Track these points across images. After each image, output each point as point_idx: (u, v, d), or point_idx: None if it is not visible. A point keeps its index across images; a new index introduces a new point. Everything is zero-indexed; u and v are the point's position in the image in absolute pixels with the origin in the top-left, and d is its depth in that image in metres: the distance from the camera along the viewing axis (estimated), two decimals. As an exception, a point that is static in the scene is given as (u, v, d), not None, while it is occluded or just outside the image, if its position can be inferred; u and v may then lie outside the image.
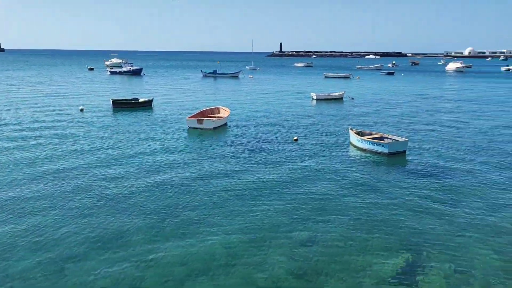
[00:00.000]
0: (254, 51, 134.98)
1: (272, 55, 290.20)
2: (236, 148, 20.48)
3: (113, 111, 32.50)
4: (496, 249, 10.33)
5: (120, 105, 34.07)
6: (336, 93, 42.47)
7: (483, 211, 12.71)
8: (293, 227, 11.51)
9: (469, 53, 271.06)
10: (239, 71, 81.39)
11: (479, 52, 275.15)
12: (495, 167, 17.43)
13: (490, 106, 37.30)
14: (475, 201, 13.54)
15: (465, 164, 17.74)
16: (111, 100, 34.54)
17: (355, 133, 21.19)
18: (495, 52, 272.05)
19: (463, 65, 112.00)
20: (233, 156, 18.94)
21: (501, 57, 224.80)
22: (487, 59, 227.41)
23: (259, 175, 16.06)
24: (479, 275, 9.14)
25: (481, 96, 45.98)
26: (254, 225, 11.60)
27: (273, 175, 16.08)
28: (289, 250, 10.20)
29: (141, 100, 35.31)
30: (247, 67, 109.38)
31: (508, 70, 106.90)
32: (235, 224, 11.65)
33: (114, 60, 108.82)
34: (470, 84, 63.73)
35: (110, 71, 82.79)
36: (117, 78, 71.33)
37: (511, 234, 11.12)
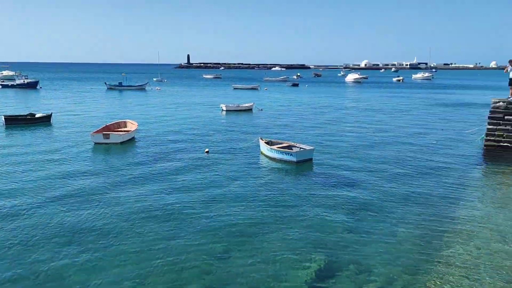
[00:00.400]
0: (160, 62, 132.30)
1: (180, 66, 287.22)
2: (146, 163, 19.80)
3: (5, 128, 29.67)
4: (396, 249, 11.11)
5: (14, 122, 31.18)
6: (245, 104, 43.19)
7: (383, 212, 13.62)
8: (204, 241, 11.33)
9: (365, 65, 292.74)
10: (146, 83, 79.19)
11: (374, 64, 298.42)
12: (393, 170, 18.85)
13: (385, 114, 40.50)
14: (377, 202, 14.48)
15: (366, 169, 18.95)
16: (2, 116, 31.49)
17: (265, 142, 21.65)
18: (387, 64, 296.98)
19: (360, 76, 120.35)
20: (143, 171, 18.26)
21: (393, 69, 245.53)
22: (380, 70, 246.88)
23: (170, 191, 15.64)
24: (382, 275, 9.74)
25: (377, 105, 49.76)
26: (165, 242, 11.23)
27: (185, 189, 15.76)
28: (202, 264, 10.02)
29: (38, 115, 32.66)
30: (154, 79, 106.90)
31: (399, 80, 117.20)
32: (145, 242, 11.17)
33: (6, 73, 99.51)
34: (368, 94, 68.80)
35: (1, 84, 75.72)
36: (10, 92, 65.53)
37: (408, 233, 12.05)
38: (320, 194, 15.28)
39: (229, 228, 12.16)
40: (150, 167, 18.97)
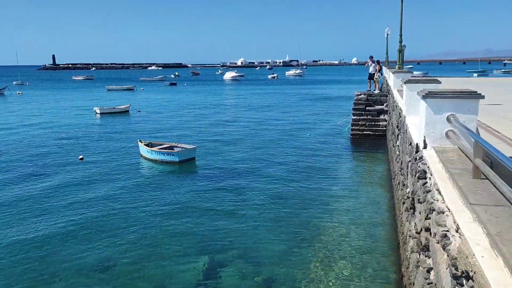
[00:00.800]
0: (19, 64, 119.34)
1: (44, 68, 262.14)
2: (10, 178, 17.69)
3: None
4: (279, 238, 11.57)
5: None
6: (121, 106, 41.22)
7: (267, 204, 14.09)
8: (84, 252, 10.51)
9: (242, 63, 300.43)
10: (4, 87, 70.67)
11: (250, 62, 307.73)
12: (272, 164, 19.62)
13: (262, 111, 42.01)
14: (259, 196, 14.92)
15: (246, 164, 19.44)
16: None
17: (144, 144, 20.89)
18: (262, 62, 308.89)
19: (237, 74, 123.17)
20: (5, 187, 16.27)
21: (268, 67, 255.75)
22: (256, 68, 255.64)
23: (39, 207, 14.19)
24: (268, 264, 10.06)
25: (255, 102, 51.39)
26: (38, 257, 10.14)
27: (58, 200, 14.43)
28: (83, 277, 9.26)
29: None
30: (14, 82, 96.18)
31: (274, 77, 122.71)
32: (14, 261, 9.96)
33: None
34: (245, 91, 70.70)
35: None
36: None
37: (288, 221, 12.63)
38: (204, 192, 15.23)
39: (110, 235, 11.44)
40: (14, 181, 17.00)
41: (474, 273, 3.14)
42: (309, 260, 10.07)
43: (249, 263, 9.98)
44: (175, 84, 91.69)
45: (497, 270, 2.94)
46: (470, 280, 3.24)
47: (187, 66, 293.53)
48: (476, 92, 6.76)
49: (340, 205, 13.84)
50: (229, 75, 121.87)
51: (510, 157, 4.19)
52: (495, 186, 4.13)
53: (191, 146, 20.57)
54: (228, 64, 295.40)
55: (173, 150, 20.15)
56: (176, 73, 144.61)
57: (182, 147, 20.56)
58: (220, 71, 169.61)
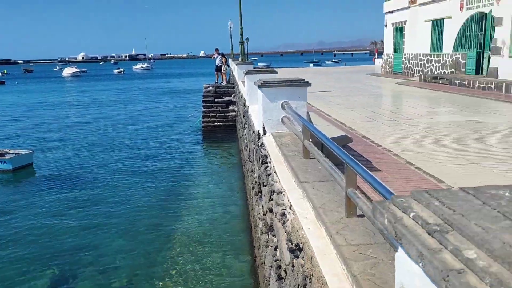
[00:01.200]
0: None
1: None
2: None
3: None
4: (134, 239, 11.18)
5: None
6: None
7: (119, 210, 13.44)
8: None
9: (83, 58, 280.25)
10: None
11: (92, 57, 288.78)
12: (122, 162, 18.80)
13: (108, 107, 39.83)
14: (110, 202, 14.14)
15: (94, 165, 18.27)
16: None
17: (-34, 154, 18.03)
18: (106, 57, 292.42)
19: (78, 69, 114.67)
20: None
21: (112, 61, 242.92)
22: (100, 63, 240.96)
23: None
24: (124, 267, 9.65)
25: (100, 98, 48.41)
26: None
27: None
28: None
29: None
30: None
31: (120, 72, 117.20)
32: None
33: None
34: (88, 88, 66.04)
35: None
36: None
37: (143, 220, 12.29)
38: (45, 200, 13.85)
39: None
40: None
41: (303, 244, 3.45)
42: (168, 258, 9.92)
43: (105, 275, 9.39)
44: (3, 83, 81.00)
45: (320, 239, 3.28)
46: (302, 252, 3.56)
47: (17, 63, 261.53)
48: (304, 80, 7.41)
49: (197, 199, 13.96)
50: (68, 71, 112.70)
51: (331, 138, 4.71)
52: (320, 163, 4.59)
53: (27, 151, 18.46)
54: (67, 59, 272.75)
55: (5, 156, 17.82)
56: (4, 71, 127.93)
57: (16, 153, 18.31)
58: (58, 67, 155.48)
